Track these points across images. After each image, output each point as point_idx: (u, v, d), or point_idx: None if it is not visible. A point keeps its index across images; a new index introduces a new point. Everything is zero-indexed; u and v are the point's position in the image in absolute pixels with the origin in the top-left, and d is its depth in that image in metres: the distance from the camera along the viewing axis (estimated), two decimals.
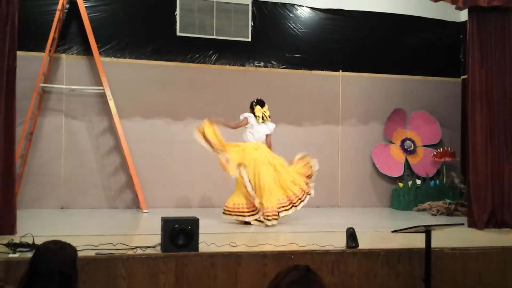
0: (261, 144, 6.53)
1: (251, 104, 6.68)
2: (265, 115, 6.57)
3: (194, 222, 4.35)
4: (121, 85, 7.94)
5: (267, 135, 6.62)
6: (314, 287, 1.80)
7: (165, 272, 4.15)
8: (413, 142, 9.02)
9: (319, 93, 8.81)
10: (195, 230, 4.31)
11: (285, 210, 6.30)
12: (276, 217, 6.22)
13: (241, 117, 6.60)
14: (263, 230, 5.97)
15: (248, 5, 8.51)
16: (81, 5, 7.58)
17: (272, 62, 8.68)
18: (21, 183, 7.40)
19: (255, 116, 6.55)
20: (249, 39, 8.54)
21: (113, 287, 4.05)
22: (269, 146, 6.62)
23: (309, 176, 6.57)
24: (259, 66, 8.64)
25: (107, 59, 7.94)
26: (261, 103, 6.64)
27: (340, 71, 8.92)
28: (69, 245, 2.45)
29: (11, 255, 4.01)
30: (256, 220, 6.29)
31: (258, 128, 6.52)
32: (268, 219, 6.18)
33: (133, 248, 4.25)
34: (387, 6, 9.02)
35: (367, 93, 8.98)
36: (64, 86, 7.77)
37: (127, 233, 5.77)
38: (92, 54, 7.65)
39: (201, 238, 4.39)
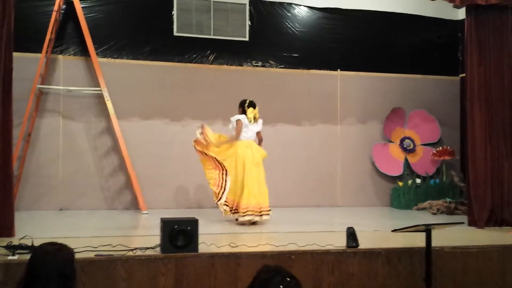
0: (252, 142, 6.58)
1: (243, 105, 6.64)
2: (256, 117, 6.61)
3: (193, 223, 4.32)
4: (118, 86, 7.92)
5: (257, 132, 6.70)
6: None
7: (164, 274, 4.13)
8: (412, 141, 9.01)
9: (317, 92, 8.79)
10: (194, 231, 4.28)
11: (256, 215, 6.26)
12: (257, 213, 6.20)
13: (233, 120, 6.54)
14: (263, 230, 5.95)
15: (245, 4, 8.49)
16: (78, 6, 7.56)
17: (270, 61, 8.66)
18: (19, 185, 7.38)
19: (246, 116, 6.56)
20: (247, 39, 8.52)
21: None
22: (261, 140, 6.73)
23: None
24: (257, 66, 8.62)
25: (104, 59, 7.92)
26: (253, 104, 6.65)
27: (338, 70, 8.91)
28: (65, 246, 2.45)
29: (10, 258, 3.99)
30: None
31: (250, 127, 6.56)
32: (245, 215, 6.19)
33: (132, 249, 4.23)
34: (385, 4, 9.01)
35: (366, 92, 8.96)
36: (61, 87, 7.74)
37: (126, 234, 5.75)
38: (89, 55, 7.64)
39: (201, 238, 4.37)
